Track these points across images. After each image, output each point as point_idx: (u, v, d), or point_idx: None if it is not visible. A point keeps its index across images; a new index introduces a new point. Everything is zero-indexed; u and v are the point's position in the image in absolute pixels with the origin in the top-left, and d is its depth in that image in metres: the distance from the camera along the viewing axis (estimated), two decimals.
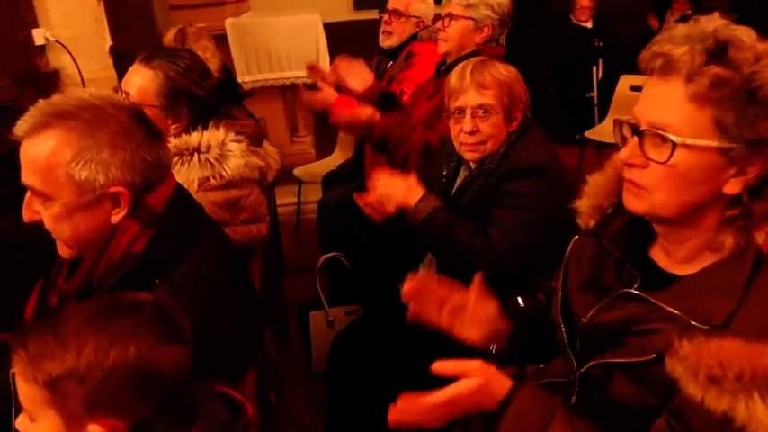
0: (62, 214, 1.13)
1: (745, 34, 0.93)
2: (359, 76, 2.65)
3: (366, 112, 2.54)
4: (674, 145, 0.93)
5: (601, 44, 5.91)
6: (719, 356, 0.88)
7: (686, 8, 6.44)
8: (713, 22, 0.94)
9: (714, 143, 0.93)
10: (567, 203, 1.95)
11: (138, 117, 1.17)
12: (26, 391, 0.88)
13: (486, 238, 1.77)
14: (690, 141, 0.93)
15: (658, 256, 1.10)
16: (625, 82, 4.86)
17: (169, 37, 2.83)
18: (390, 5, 3.11)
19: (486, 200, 1.81)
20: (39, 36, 3.18)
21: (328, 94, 2.78)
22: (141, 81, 1.78)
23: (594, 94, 5.67)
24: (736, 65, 0.90)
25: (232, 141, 1.76)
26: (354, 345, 2.12)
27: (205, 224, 1.32)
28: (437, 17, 2.50)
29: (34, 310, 1.33)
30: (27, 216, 1.17)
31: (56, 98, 1.16)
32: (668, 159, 0.94)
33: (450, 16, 2.42)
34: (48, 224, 1.16)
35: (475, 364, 1.08)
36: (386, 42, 3.11)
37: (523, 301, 1.83)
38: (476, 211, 1.82)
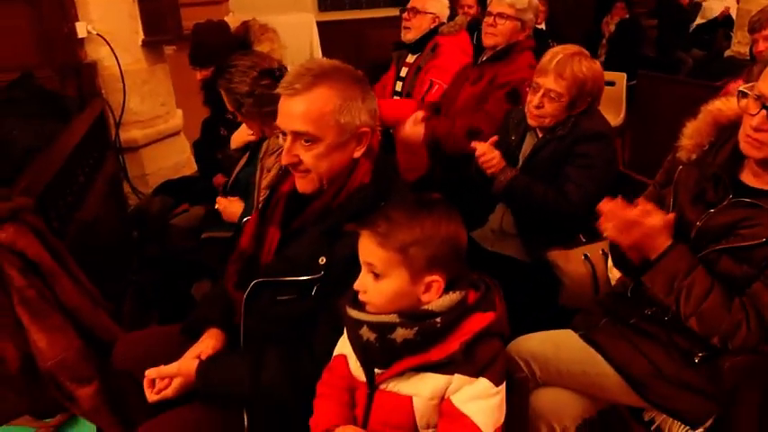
0: (324, 153, 1.42)
1: None
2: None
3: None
4: None
5: (554, 44, 6.52)
6: None
7: (624, 13, 7.19)
8: None
9: None
10: (616, 163, 2.40)
11: (364, 78, 1.49)
12: (382, 256, 1.18)
13: (559, 192, 2.17)
14: None
15: (747, 177, 1.54)
16: None
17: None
18: (410, 4, 3.51)
19: (559, 159, 2.21)
20: (81, 29, 3.30)
21: None
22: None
23: None
24: None
25: None
26: None
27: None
28: (487, 14, 2.88)
29: (251, 240, 1.61)
30: (287, 160, 1.44)
31: (310, 64, 1.44)
32: None
33: (502, 15, 2.82)
34: (309, 162, 1.42)
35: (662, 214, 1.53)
36: (407, 36, 3.48)
37: (584, 238, 2.27)
38: (548, 168, 2.23)
